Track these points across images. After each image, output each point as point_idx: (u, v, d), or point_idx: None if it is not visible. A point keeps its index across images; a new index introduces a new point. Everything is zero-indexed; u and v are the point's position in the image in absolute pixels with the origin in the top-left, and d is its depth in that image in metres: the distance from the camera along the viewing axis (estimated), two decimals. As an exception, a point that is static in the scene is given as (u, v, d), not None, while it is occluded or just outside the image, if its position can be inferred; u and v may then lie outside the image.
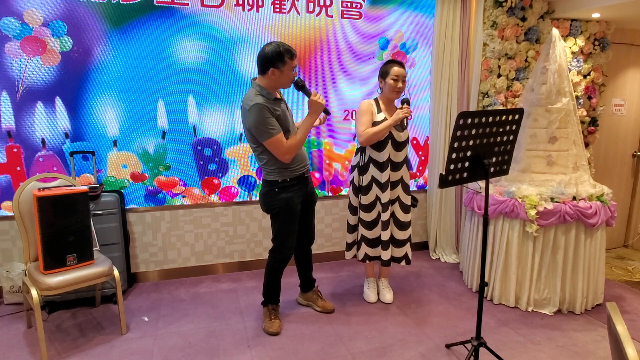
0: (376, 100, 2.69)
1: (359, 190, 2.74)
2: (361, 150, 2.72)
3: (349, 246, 2.88)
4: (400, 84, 2.59)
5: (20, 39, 2.73)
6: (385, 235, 2.71)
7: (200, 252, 3.37)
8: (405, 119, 2.57)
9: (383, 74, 2.64)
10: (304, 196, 2.51)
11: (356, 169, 2.75)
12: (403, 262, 2.81)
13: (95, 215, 2.81)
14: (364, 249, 2.78)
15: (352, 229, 2.85)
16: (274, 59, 2.20)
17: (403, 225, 2.76)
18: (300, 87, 2.33)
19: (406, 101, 2.58)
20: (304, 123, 2.37)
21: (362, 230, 2.77)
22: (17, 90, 2.78)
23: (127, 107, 3.01)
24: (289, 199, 2.40)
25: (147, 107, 3.05)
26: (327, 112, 2.41)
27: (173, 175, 3.20)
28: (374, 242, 2.78)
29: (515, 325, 2.62)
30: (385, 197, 2.67)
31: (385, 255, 2.73)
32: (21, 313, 2.69)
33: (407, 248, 2.81)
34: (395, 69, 2.58)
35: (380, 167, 2.65)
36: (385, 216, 2.68)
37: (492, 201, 2.79)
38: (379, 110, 2.65)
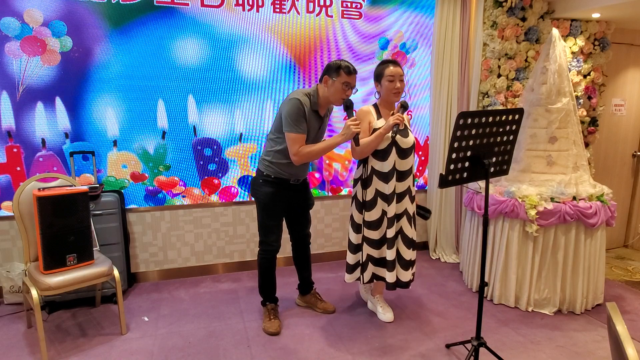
0: (375, 105, 2.47)
1: (363, 206, 2.47)
2: (363, 161, 2.47)
3: (350, 268, 2.58)
4: (398, 84, 2.36)
5: (20, 39, 2.73)
6: (391, 255, 2.44)
7: (200, 252, 3.37)
8: (399, 125, 2.30)
9: (377, 76, 2.43)
10: (289, 200, 2.56)
11: (359, 183, 2.50)
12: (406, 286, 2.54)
13: (95, 215, 2.81)
14: (371, 269, 2.52)
15: (354, 248, 2.55)
16: (330, 67, 2.33)
17: (411, 243, 2.50)
18: (347, 107, 2.37)
19: (403, 105, 2.38)
20: (329, 139, 2.38)
21: (367, 250, 2.50)
22: (17, 90, 2.78)
23: (127, 107, 3.01)
24: (269, 193, 2.47)
25: (147, 107, 3.05)
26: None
27: (173, 175, 3.20)
28: (381, 262, 2.53)
29: (515, 325, 2.62)
30: (391, 210, 2.41)
31: (391, 277, 2.46)
32: (21, 313, 2.69)
33: (413, 270, 2.54)
34: (390, 69, 2.36)
35: (385, 177, 2.40)
36: (390, 232, 2.42)
37: (492, 201, 2.79)
38: (379, 117, 2.43)
